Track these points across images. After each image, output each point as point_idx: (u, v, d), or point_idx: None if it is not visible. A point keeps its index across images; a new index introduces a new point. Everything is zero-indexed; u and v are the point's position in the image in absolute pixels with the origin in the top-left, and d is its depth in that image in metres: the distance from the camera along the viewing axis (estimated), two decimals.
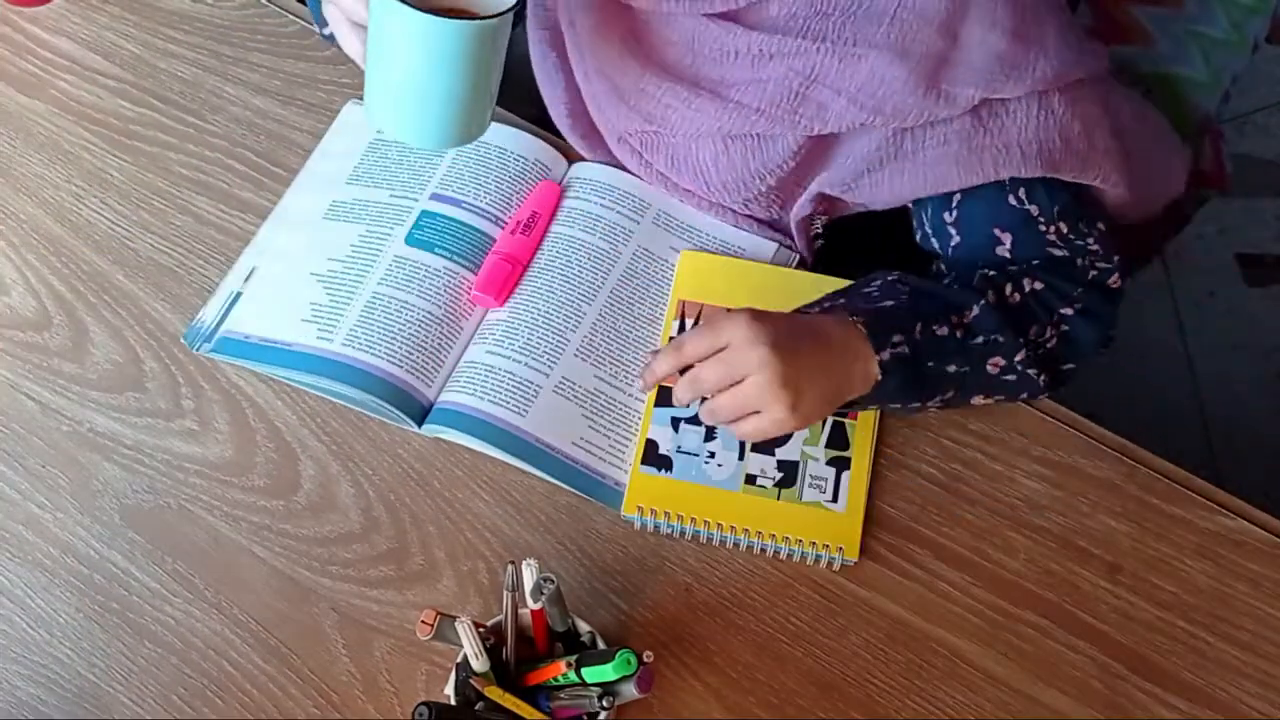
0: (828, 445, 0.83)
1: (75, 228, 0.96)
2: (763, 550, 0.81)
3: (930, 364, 0.78)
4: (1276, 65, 1.86)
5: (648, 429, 0.84)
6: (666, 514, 0.81)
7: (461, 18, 0.68)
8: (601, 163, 0.94)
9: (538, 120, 0.97)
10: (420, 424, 0.85)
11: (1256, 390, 1.66)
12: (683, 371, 0.76)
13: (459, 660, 0.71)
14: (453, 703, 0.71)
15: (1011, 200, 0.82)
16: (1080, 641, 0.78)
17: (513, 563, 0.69)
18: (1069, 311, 0.82)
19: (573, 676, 0.68)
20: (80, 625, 0.81)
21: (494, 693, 0.69)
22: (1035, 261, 0.83)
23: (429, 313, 0.88)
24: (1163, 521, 0.81)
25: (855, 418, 0.84)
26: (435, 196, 0.93)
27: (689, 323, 0.87)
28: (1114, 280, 0.84)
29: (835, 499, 0.81)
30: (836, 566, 0.80)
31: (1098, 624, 0.78)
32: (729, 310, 0.75)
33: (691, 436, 0.83)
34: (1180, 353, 1.70)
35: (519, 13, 0.72)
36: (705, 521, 0.80)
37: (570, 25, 0.89)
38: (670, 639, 0.78)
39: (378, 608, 0.80)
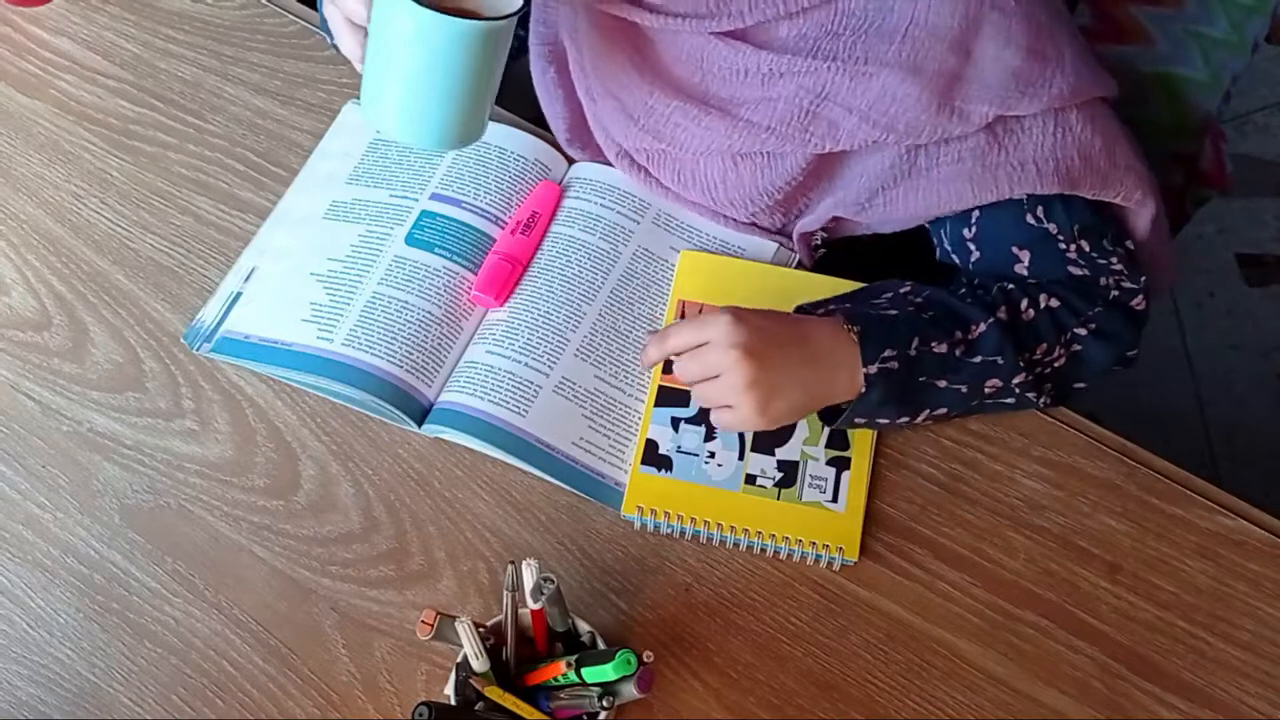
0: (828, 445, 0.83)
1: (75, 228, 0.96)
2: (763, 550, 0.81)
3: (921, 379, 0.78)
4: (1276, 65, 1.86)
5: (648, 429, 0.84)
6: (666, 514, 0.81)
7: (465, 17, 0.68)
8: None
9: (538, 120, 0.97)
10: (420, 424, 0.85)
11: (1256, 390, 1.66)
12: None
13: (459, 660, 0.71)
14: (453, 703, 0.71)
15: (1029, 218, 0.82)
16: (1080, 641, 0.78)
17: (513, 563, 0.69)
18: (1083, 331, 0.81)
19: (573, 676, 0.68)
20: (80, 625, 0.81)
21: (494, 693, 0.69)
22: (1056, 279, 0.83)
23: (429, 313, 0.88)
24: (1163, 521, 0.81)
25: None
26: (435, 196, 0.93)
27: None
28: (1138, 302, 0.83)
29: (835, 499, 0.81)
30: (836, 566, 0.80)
31: (1098, 624, 0.78)
32: (716, 309, 0.77)
33: (691, 436, 0.83)
34: (1180, 353, 1.70)
35: (523, 17, 0.72)
36: (705, 521, 0.80)
37: (574, 42, 0.89)
38: (670, 639, 0.78)
39: (378, 608, 0.80)
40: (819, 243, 0.90)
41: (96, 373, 0.89)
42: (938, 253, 0.88)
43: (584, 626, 0.73)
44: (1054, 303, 0.81)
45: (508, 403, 0.84)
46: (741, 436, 0.83)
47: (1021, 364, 0.79)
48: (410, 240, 0.91)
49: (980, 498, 0.82)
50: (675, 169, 0.89)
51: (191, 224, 0.95)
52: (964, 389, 0.80)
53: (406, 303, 0.88)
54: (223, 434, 0.87)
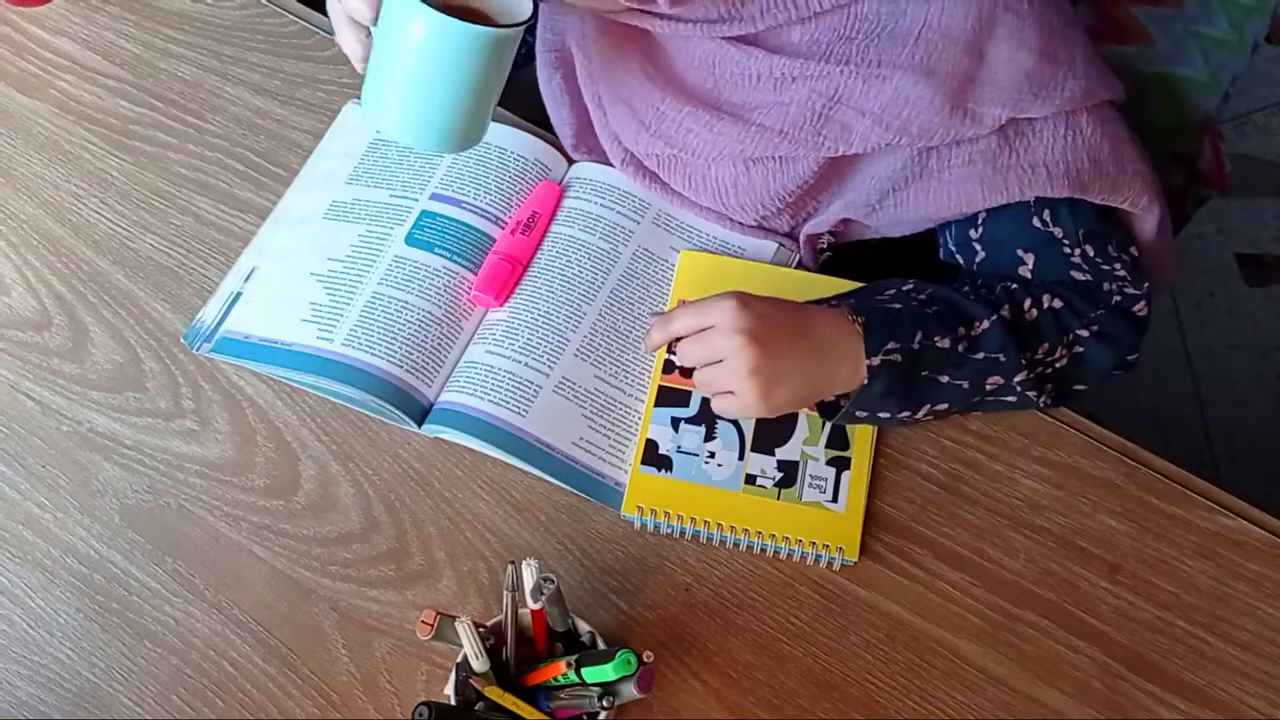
0: (828, 445, 0.83)
1: (75, 228, 0.96)
2: (763, 550, 0.81)
3: (924, 373, 0.78)
4: (1276, 65, 1.86)
5: (648, 429, 0.84)
6: (666, 514, 0.81)
7: (473, 21, 0.68)
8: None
9: (538, 120, 0.97)
10: (420, 424, 0.85)
11: (1256, 390, 1.66)
12: None
13: (459, 660, 0.71)
14: (453, 703, 0.71)
15: (1035, 222, 0.81)
16: (1080, 641, 0.78)
17: (513, 563, 0.69)
18: (1085, 333, 0.81)
19: (573, 676, 0.68)
20: (80, 625, 0.81)
21: (494, 693, 0.69)
22: (1059, 282, 0.83)
23: (429, 313, 0.88)
24: (1163, 521, 0.81)
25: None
26: (435, 196, 0.93)
27: None
28: (1139, 308, 0.83)
29: (835, 499, 0.81)
30: (836, 566, 0.80)
31: (1098, 624, 0.78)
32: (721, 294, 0.77)
33: (691, 436, 0.83)
34: (1180, 353, 1.70)
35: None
36: (705, 521, 0.80)
37: (581, 49, 0.89)
38: (670, 639, 0.78)
39: (378, 608, 0.80)
40: (825, 246, 0.90)
41: (96, 373, 0.89)
42: (941, 252, 0.88)
43: (584, 626, 0.73)
44: (1057, 303, 0.81)
45: (508, 403, 0.84)
46: (741, 437, 0.83)
47: (1023, 362, 0.79)
48: (410, 240, 0.91)
49: (980, 498, 0.82)
50: (686, 174, 0.88)
51: (191, 224, 0.95)
52: (965, 385, 0.80)
53: (406, 303, 0.88)
54: (223, 434, 0.87)
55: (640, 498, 0.81)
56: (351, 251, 0.91)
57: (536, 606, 0.69)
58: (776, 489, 0.81)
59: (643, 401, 0.85)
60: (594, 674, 0.67)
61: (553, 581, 0.67)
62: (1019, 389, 0.80)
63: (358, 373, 0.85)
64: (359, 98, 0.77)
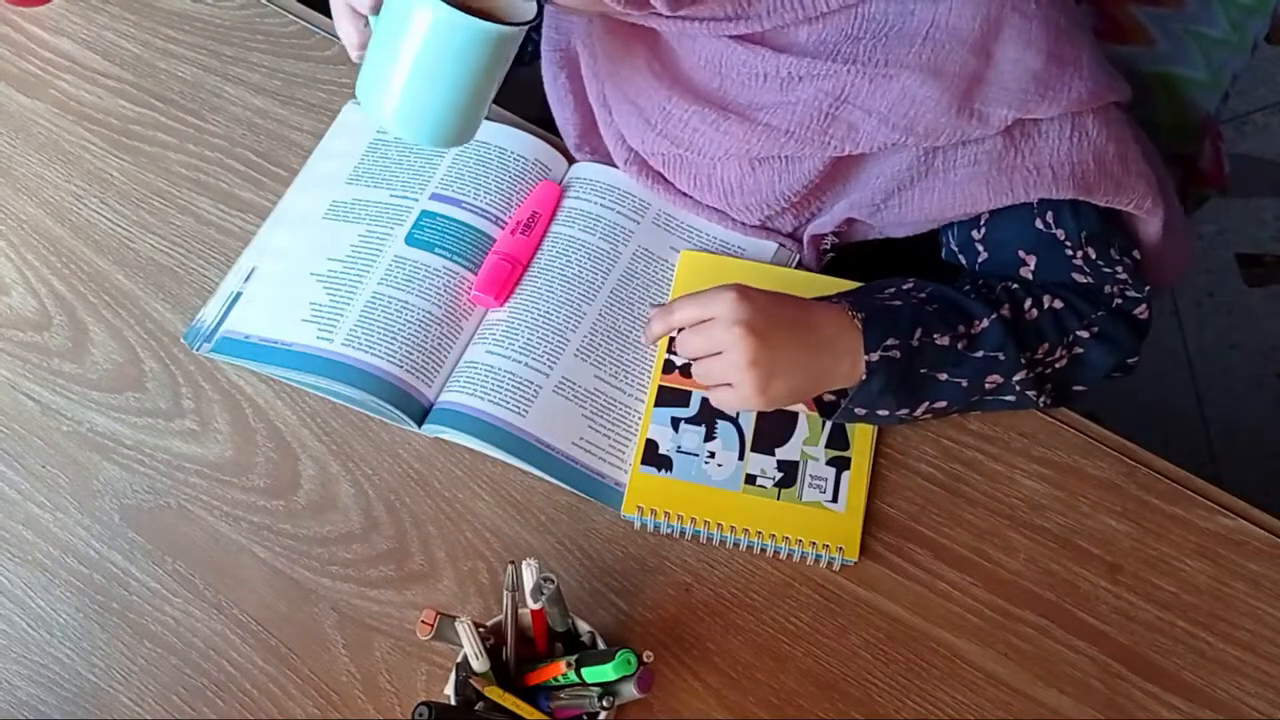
0: (828, 445, 0.83)
1: (75, 228, 0.96)
2: (763, 550, 0.81)
3: (923, 370, 0.78)
4: (1276, 65, 1.87)
5: (648, 429, 0.84)
6: (666, 514, 0.81)
7: (478, 17, 0.68)
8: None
9: (538, 120, 0.97)
10: (420, 424, 0.85)
11: (1256, 390, 1.66)
12: None
13: (459, 660, 0.71)
14: (453, 703, 0.71)
15: (1038, 223, 0.81)
16: (1080, 641, 0.78)
17: (513, 563, 0.69)
18: (1085, 334, 0.81)
19: (573, 676, 0.68)
20: (80, 625, 0.81)
21: (494, 693, 0.69)
22: (1060, 284, 0.83)
23: (429, 313, 0.88)
24: (1163, 521, 0.81)
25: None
26: (435, 196, 0.93)
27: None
28: (1141, 310, 0.83)
29: (835, 499, 0.81)
30: (836, 566, 0.80)
31: (1098, 624, 0.78)
32: (722, 285, 0.77)
33: (691, 436, 0.83)
34: (1180, 353, 1.70)
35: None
36: (705, 521, 0.80)
37: (587, 49, 0.88)
38: (670, 639, 0.78)
39: (378, 608, 0.80)
40: (828, 246, 0.90)
41: (96, 373, 0.89)
42: (943, 252, 0.88)
43: (584, 626, 0.73)
44: (1058, 304, 0.81)
45: (508, 403, 0.84)
46: (741, 437, 0.83)
47: (1023, 361, 0.79)
48: (410, 240, 0.91)
49: (980, 498, 0.82)
50: (692, 174, 0.88)
51: (191, 224, 0.95)
52: (964, 383, 0.80)
53: (406, 303, 0.88)
54: (223, 434, 0.87)
55: (640, 498, 0.81)
56: (351, 251, 0.91)
57: (536, 606, 0.69)
58: (776, 489, 0.81)
59: (643, 401, 0.85)
60: (594, 674, 0.67)
61: (553, 581, 0.67)
62: (1018, 388, 0.80)
63: (358, 373, 0.85)
64: (357, 97, 0.77)
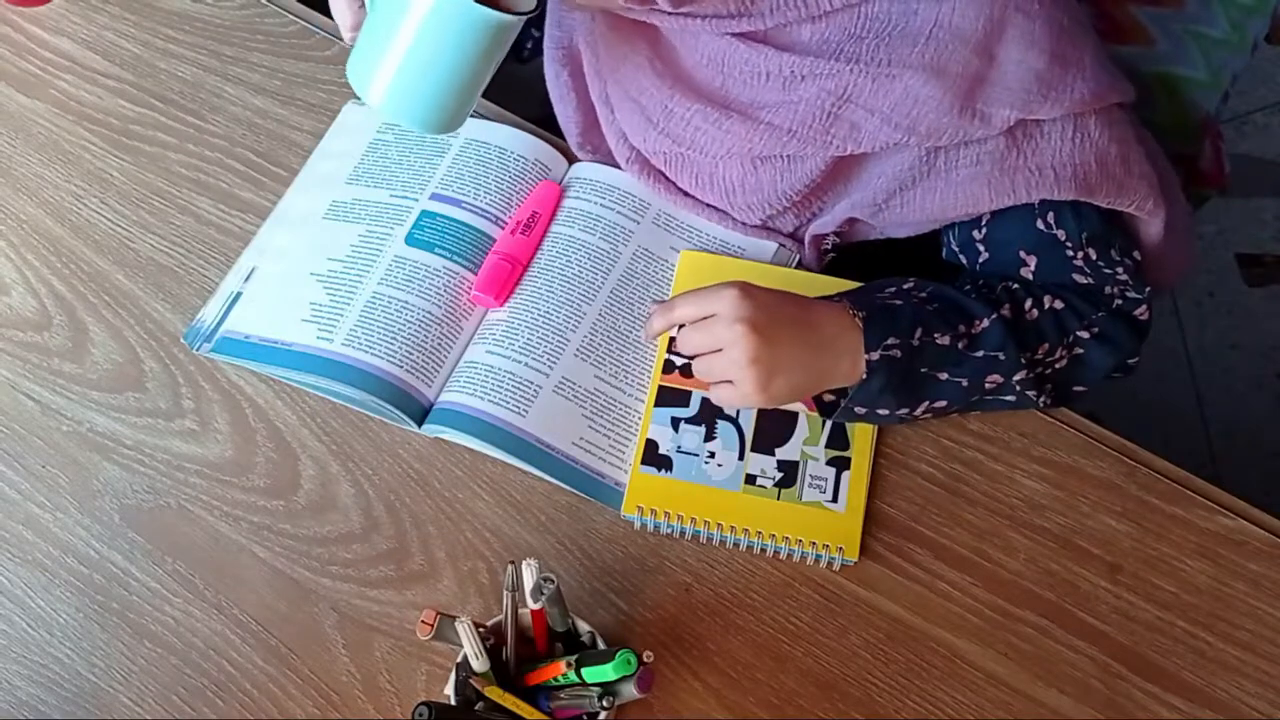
0: (828, 445, 0.83)
1: (75, 228, 0.96)
2: (763, 550, 0.81)
3: (923, 369, 0.78)
4: (1276, 65, 1.87)
5: (648, 429, 0.84)
6: (666, 514, 0.81)
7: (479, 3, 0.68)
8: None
9: (539, 120, 0.97)
10: (420, 424, 0.85)
11: (1256, 390, 1.66)
12: None
13: (459, 660, 0.71)
14: (453, 703, 0.71)
15: (1039, 224, 0.81)
16: (1080, 641, 0.78)
17: (513, 563, 0.69)
18: (1085, 335, 0.81)
19: (573, 676, 0.68)
20: (80, 625, 0.81)
21: (494, 693, 0.69)
22: (1061, 284, 0.83)
23: (429, 313, 0.88)
24: (1163, 521, 0.81)
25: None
26: (435, 196, 0.93)
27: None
28: (1141, 312, 0.83)
29: (835, 499, 0.81)
30: (836, 566, 0.80)
31: (1098, 624, 0.78)
32: (724, 282, 0.77)
33: (691, 436, 0.83)
34: (1180, 353, 1.70)
35: (538, 18, 0.73)
36: (705, 521, 0.80)
37: (589, 46, 0.88)
38: (670, 639, 0.78)
39: (378, 608, 0.80)
40: (829, 246, 0.90)
41: (96, 373, 0.89)
42: (944, 252, 0.88)
43: (584, 626, 0.73)
44: (1058, 304, 0.81)
45: (508, 403, 0.84)
46: (741, 437, 0.83)
47: (1023, 361, 0.79)
48: (410, 240, 0.91)
49: (980, 498, 0.82)
50: (693, 172, 0.88)
51: (191, 224, 0.95)
52: (964, 383, 0.80)
53: (406, 303, 0.88)
54: (223, 434, 0.87)
55: (640, 498, 0.81)
56: (351, 251, 0.91)
57: (536, 606, 0.69)
58: (776, 489, 0.81)
59: (643, 401, 0.85)
60: (594, 674, 0.67)
61: (553, 581, 0.67)
62: (1018, 388, 0.80)
63: (358, 373, 0.85)
64: (359, 97, 0.77)
